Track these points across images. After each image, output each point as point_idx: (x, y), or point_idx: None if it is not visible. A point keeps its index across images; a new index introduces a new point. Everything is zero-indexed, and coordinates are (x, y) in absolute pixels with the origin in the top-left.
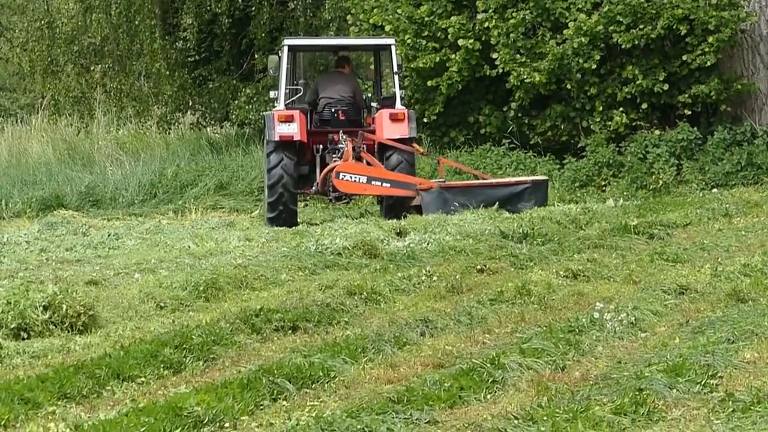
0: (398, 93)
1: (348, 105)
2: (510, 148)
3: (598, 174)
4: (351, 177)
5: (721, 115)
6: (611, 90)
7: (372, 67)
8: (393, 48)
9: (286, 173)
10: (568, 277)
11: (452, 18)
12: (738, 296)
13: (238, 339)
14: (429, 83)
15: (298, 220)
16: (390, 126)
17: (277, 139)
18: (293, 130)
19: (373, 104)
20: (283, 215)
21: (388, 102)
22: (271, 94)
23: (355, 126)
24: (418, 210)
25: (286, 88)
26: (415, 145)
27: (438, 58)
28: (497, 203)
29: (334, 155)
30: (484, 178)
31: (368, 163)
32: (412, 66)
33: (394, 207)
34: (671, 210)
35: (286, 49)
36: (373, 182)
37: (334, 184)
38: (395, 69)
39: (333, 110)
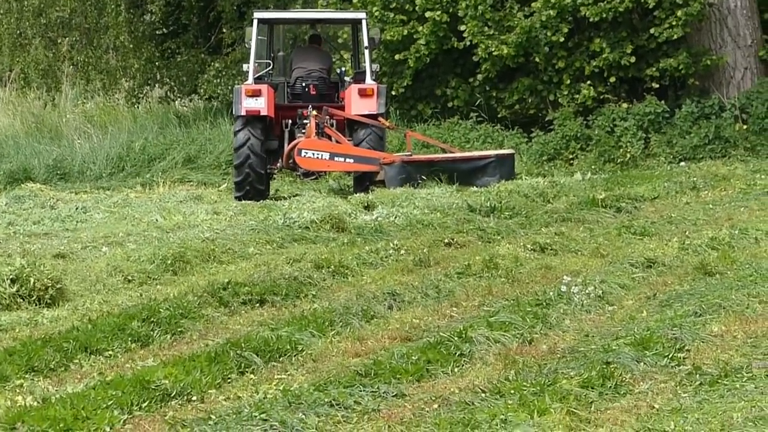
0: (368, 68)
1: (320, 80)
2: (477, 121)
3: (565, 147)
4: (313, 153)
5: (689, 89)
6: (579, 63)
7: (339, 41)
8: (364, 22)
9: (252, 153)
10: (535, 250)
11: None
12: (705, 269)
13: (206, 312)
14: (397, 56)
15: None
16: (359, 101)
17: (243, 113)
18: (260, 104)
19: (347, 78)
20: (249, 194)
21: (361, 77)
22: (244, 67)
23: (326, 101)
24: (383, 184)
25: (255, 62)
26: (381, 119)
27: (406, 31)
28: (460, 179)
29: (303, 130)
30: (451, 152)
31: (334, 140)
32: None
33: (362, 180)
34: (639, 183)
35: (255, 22)
36: (336, 158)
37: (296, 161)
38: (366, 44)
39: (304, 84)
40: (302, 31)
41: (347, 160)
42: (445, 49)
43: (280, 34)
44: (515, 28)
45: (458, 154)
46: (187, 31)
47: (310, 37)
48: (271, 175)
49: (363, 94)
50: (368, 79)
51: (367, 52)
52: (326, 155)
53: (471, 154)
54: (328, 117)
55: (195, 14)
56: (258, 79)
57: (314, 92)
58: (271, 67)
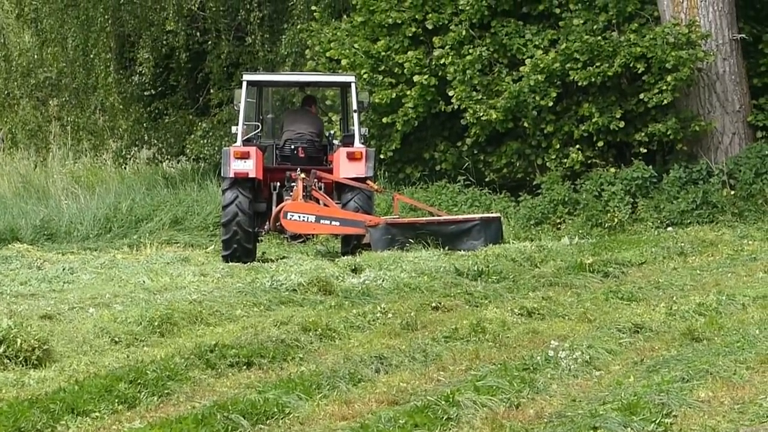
0: (357, 131)
1: (309, 142)
2: (465, 184)
3: (553, 212)
4: (299, 216)
5: (677, 154)
6: (568, 128)
7: (327, 102)
8: (353, 86)
9: (240, 211)
10: (522, 314)
11: (409, 53)
12: (692, 335)
13: (193, 374)
14: (385, 120)
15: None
16: (347, 165)
17: (231, 175)
18: (249, 167)
19: (335, 141)
20: (237, 253)
21: (350, 140)
22: (233, 129)
23: (315, 164)
24: (369, 247)
25: (244, 124)
26: (369, 182)
27: (394, 94)
28: (447, 244)
29: (291, 193)
30: (438, 215)
31: (321, 203)
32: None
33: (349, 240)
34: (626, 248)
35: (244, 84)
36: (322, 221)
37: (282, 224)
38: (354, 107)
39: (293, 147)
40: (291, 93)
41: (333, 222)
42: (433, 113)
43: (269, 97)
44: (503, 93)
45: (443, 218)
46: (175, 92)
47: (303, 99)
48: (259, 237)
49: (351, 157)
50: (356, 143)
51: (355, 115)
52: (312, 218)
53: (455, 217)
54: (315, 180)
55: (183, 75)
56: (247, 141)
57: (303, 155)
58: (259, 129)
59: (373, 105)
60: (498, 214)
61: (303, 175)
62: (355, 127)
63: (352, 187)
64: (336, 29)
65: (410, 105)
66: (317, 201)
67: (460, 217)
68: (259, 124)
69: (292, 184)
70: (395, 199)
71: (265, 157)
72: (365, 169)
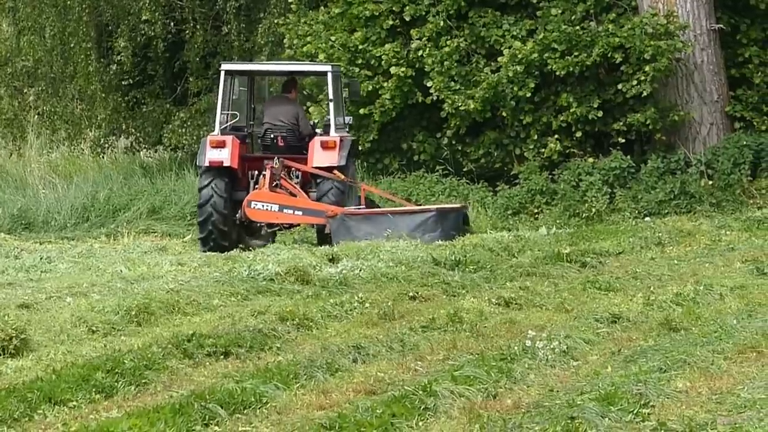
0: (332, 120)
1: (289, 131)
2: (444, 174)
3: (531, 201)
4: (262, 205)
5: (655, 144)
6: (546, 118)
7: (305, 92)
8: (329, 75)
9: (215, 210)
10: (500, 304)
11: (386, 46)
12: (670, 325)
13: (170, 364)
14: (362, 111)
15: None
16: (320, 153)
17: (206, 164)
18: (224, 155)
19: (318, 130)
20: (211, 242)
21: (327, 129)
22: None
23: (295, 152)
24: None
25: (222, 113)
26: (336, 172)
27: (371, 86)
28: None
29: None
30: (405, 206)
31: (287, 192)
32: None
33: (322, 231)
34: (604, 238)
35: (222, 73)
36: (284, 210)
37: (246, 213)
38: (330, 96)
39: (272, 136)
40: (275, 81)
41: (295, 212)
42: (410, 104)
43: (265, 85)
44: (482, 83)
45: (399, 209)
46: (152, 81)
47: (283, 85)
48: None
49: (325, 146)
50: (332, 132)
51: (331, 104)
52: (275, 207)
53: (412, 208)
54: (284, 168)
55: (161, 65)
56: (228, 130)
57: (282, 144)
58: (237, 118)
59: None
60: (459, 205)
61: (270, 164)
62: (331, 117)
63: (326, 177)
64: (313, 21)
65: (387, 96)
66: (287, 189)
67: (416, 207)
68: (237, 113)
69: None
70: (362, 189)
71: (247, 146)
72: (338, 158)
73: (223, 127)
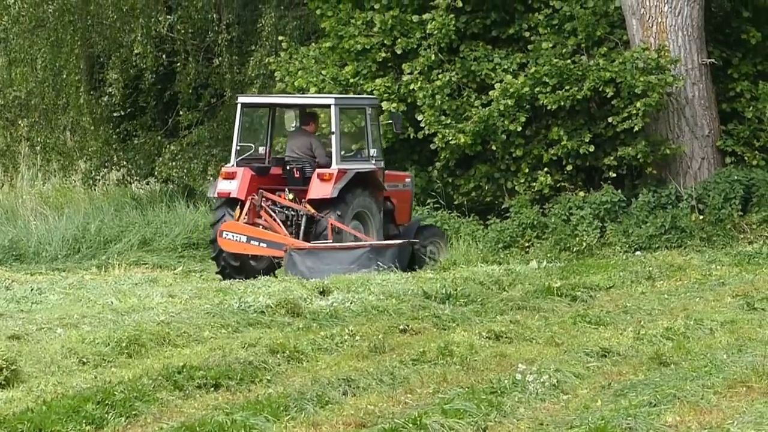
0: (335, 152)
1: (304, 163)
2: (435, 208)
3: (521, 235)
4: (233, 236)
5: (646, 178)
6: (537, 151)
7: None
8: (332, 108)
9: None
10: (490, 338)
11: (377, 81)
12: (660, 360)
13: (161, 396)
14: (353, 146)
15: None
16: (317, 185)
17: (215, 195)
18: (232, 187)
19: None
20: (226, 270)
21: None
22: (260, 150)
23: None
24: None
25: (237, 145)
26: (306, 205)
27: (362, 122)
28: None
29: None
30: (365, 240)
31: (257, 224)
32: None
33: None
34: (594, 272)
35: (239, 106)
36: (251, 241)
37: (218, 243)
38: (332, 129)
39: (289, 168)
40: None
41: (261, 244)
42: (402, 138)
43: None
44: (473, 117)
45: (339, 244)
46: (144, 113)
47: (301, 119)
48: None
49: (321, 178)
50: (333, 164)
51: (333, 137)
52: (243, 238)
53: (349, 244)
54: (262, 200)
55: (152, 96)
56: (245, 162)
57: (298, 175)
58: (253, 150)
59: (341, 131)
60: (398, 241)
61: (253, 196)
62: (333, 149)
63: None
64: (304, 56)
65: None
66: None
67: (353, 243)
68: (253, 145)
69: (277, 205)
70: (330, 223)
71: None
72: (331, 190)
73: (239, 159)
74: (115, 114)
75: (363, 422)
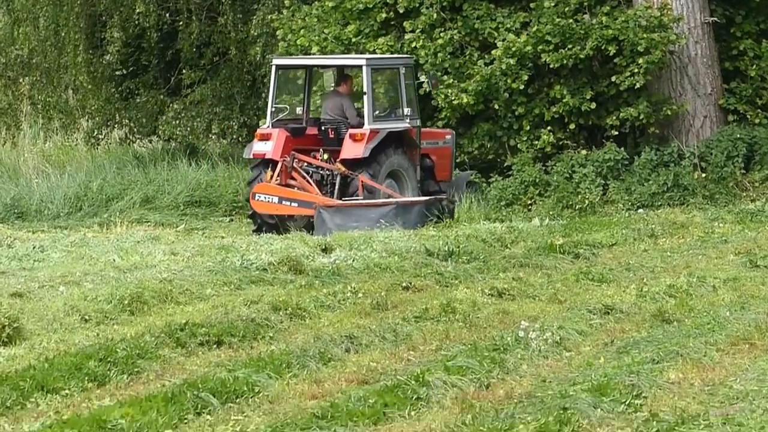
0: (367, 112)
1: (339, 123)
2: None
3: (524, 193)
4: (264, 197)
5: (648, 136)
6: (539, 110)
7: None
8: (364, 69)
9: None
10: (493, 295)
11: (380, 40)
12: (663, 317)
13: (163, 353)
14: (356, 104)
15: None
16: (349, 145)
17: (250, 156)
18: (267, 148)
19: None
20: (262, 228)
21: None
22: (297, 110)
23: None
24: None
25: (272, 107)
26: (338, 164)
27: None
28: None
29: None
30: (395, 197)
31: (291, 185)
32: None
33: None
34: (597, 230)
35: (273, 68)
36: (283, 202)
37: (251, 205)
38: (365, 89)
39: (323, 128)
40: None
41: (292, 204)
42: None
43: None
44: (475, 76)
45: (367, 201)
46: (146, 71)
47: (336, 80)
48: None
49: (353, 138)
50: (366, 124)
51: (365, 97)
52: (275, 199)
53: (376, 201)
54: (294, 161)
55: (154, 55)
56: (280, 123)
57: (332, 136)
58: (287, 111)
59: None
60: (423, 198)
61: (287, 158)
62: (366, 108)
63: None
64: (306, 15)
65: (381, 90)
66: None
67: (380, 200)
68: (287, 106)
69: (308, 166)
70: (360, 180)
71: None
72: (363, 150)
73: (274, 120)
74: (117, 72)
75: (365, 379)
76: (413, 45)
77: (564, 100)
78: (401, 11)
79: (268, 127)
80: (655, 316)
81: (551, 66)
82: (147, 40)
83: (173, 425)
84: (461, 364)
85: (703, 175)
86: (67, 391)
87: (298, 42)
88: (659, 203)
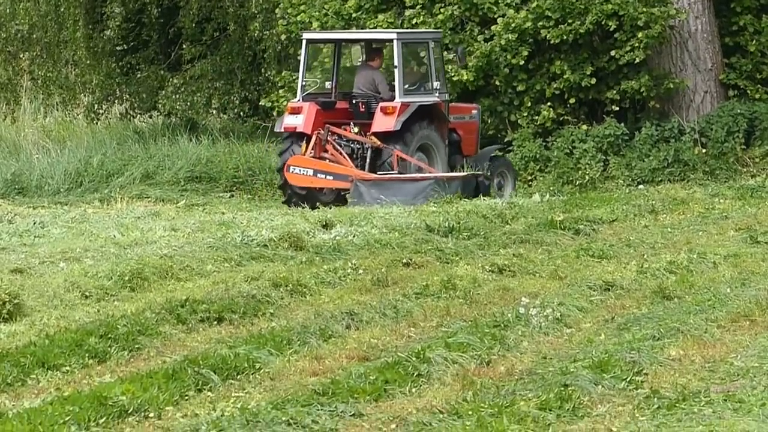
0: (398, 86)
1: (370, 97)
2: None
3: (524, 168)
4: (299, 170)
5: (649, 111)
6: (539, 86)
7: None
8: (394, 42)
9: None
10: (493, 271)
11: (380, 16)
12: (663, 293)
13: (164, 329)
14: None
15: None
16: (380, 118)
17: (281, 130)
18: (298, 122)
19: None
20: (292, 198)
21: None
22: (326, 84)
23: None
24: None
25: (302, 81)
26: (372, 137)
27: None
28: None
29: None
30: (430, 171)
31: (324, 157)
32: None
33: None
34: (597, 206)
35: (304, 42)
36: (318, 174)
37: (285, 177)
38: (395, 62)
39: (354, 102)
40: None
41: (327, 177)
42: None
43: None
44: (475, 52)
45: (406, 176)
46: (147, 47)
47: (367, 54)
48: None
49: (384, 111)
50: (397, 97)
51: (396, 70)
52: (310, 171)
53: (414, 176)
54: (328, 134)
55: (155, 30)
56: (308, 96)
57: (363, 109)
58: (317, 85)
59: (344, 66)
60: (460, 174)
61: (320, 131)
62: (397, 83)
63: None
64: None
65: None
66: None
67: (418, 175)
68: (318, 80)
69: (342, 139)
70: (395, 154)
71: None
72: (394, 123)
73: (305, 93)
74: (117, 48)
75: (366, 356)
76: (413, 21)
77: (565, 77)
78: None
79: (299, 101)
80: (656, 293)
81: (551, 42)
82: (147, 15)
83: (174, 402)
84: (462, 340)
85: (704, 150)
86: (67, 368)
87: (298, 18)
88: (659, 179)
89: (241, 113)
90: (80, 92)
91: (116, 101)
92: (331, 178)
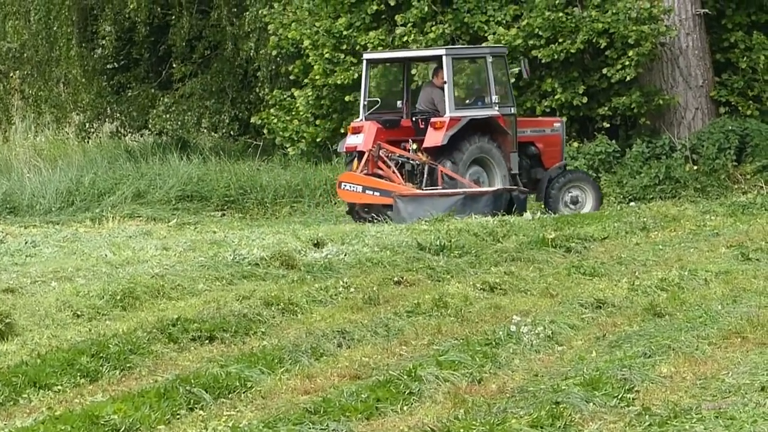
0: (448, 102)
1: (430, 115)
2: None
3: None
4: (350, 186)
5: (640, 128)
6: (530, 103)
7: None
8: (444, 59)
9: None
10: (485, 289)
11: (371, 34)
12: (655, 311)
13: (155, 348)
14: (347, 98)
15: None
16: (431, 134)
17: (343, 150)
18: (359, 141)
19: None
20: (354, 207)
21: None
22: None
23: None
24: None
25: (365, 100)
26: (420, 153)
27: (356, 74)
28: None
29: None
30: (471, 187)
31: (379, 174)
32: (329, 82)
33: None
34: (589, 223)
35: (364, 62)
36: (366, 191)
37: (338, 193)
38: (445, 78)
39: (414, 119)
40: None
41: (375, 193)
42: (394, 91)
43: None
44: (466, 70)
45: (437, 191)
46: (138, 65)
47: (433, 72)
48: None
49: (434, 126)
50: (447, 112)
51: (446, 86)
52: (359, 188)
53: (446, 191)
54: (380, 151)
55: (146, 49)
56: (371, 115)
57: (423, 126)
58: (378, 105)
59: (335, 84)
60: (489, 189)
61: (372, 148)
62: (446, 97)
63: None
64: (298, 8)
65: (372, 84)
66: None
67: (450, 190)
68: (379, 100)
69: (401, 157)
70: (440, 171)
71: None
72: (442, 137)
73: (368, 113)
74: (108, 66)
75: (358, 374)
76: (404, 39)
77: (556, 95)
78: (392, 4)
79: (361, 120)
80: (647, 310)
81: (542, 60)
82: (137, 34)
83: (166, 421)
84: (453, 358)
85: (695, 167)
86: (59, 387)
87: (290, 35)
88: (651, 196)
89: (232, 132)
90: (71, 111)
91: (107, 120)
92: (378, 194)
